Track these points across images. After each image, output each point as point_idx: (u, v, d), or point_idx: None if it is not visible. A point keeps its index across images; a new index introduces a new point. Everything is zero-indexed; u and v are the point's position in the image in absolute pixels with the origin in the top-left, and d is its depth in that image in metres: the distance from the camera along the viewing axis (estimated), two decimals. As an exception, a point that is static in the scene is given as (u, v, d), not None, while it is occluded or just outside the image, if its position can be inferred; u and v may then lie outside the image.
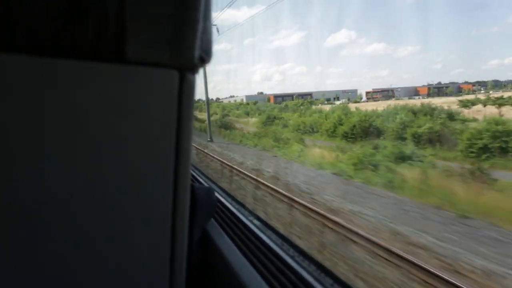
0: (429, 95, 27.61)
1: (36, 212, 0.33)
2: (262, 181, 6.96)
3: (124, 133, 0.35)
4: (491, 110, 12.68)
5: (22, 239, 0.33)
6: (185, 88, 0.37)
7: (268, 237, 0.68)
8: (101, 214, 0.36)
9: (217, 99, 36.97)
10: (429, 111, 12.24)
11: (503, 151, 8.46)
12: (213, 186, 1.18)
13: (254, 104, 27.95)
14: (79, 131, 0.33)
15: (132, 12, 0.32)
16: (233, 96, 36.99)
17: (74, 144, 0.33)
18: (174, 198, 0.39)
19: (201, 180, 1.22)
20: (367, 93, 32.41)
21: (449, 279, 3.24)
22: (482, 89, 26.79)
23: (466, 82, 29.31)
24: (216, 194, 0.82)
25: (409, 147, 9.48)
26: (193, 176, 1.20)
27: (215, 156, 10.64)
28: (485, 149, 8.62)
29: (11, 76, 0.30)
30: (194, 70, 0.38)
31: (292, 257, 0.60)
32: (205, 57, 0.38)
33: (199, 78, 0.40)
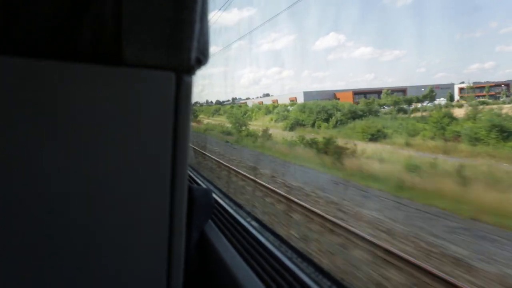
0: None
1: (34, 213, 0.33)
2: None
3: (121, 135, 0.35)
4: None
5: (21, 240, 0.33)
6: (182, 90, 0.37)
7: (266, 238, 0.67)
8: (99, 215, 0.36)
9: (218, 101, 34.44)
10: None
11: None
12: (211, 187, 1.18)
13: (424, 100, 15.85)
14: (76, 133, 0.33)
15: (129, 14, 0.33)
16: (235, 98, 34.18)
17: (71, 146, 0.33)
18: (172, 200, 0.39)
19: (198, 181, 1.21)
20: (460, 89, 21.55)
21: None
22: None
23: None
24: (214, 195, 0.81)
25: None
26: (190, 177, 1.20)
27: None
28: None
29: (9, 78, 0.30)
30: (191, 72, 0.38)
31: (290, 259, 0.60)
32: (202, 58, 0.38)
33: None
